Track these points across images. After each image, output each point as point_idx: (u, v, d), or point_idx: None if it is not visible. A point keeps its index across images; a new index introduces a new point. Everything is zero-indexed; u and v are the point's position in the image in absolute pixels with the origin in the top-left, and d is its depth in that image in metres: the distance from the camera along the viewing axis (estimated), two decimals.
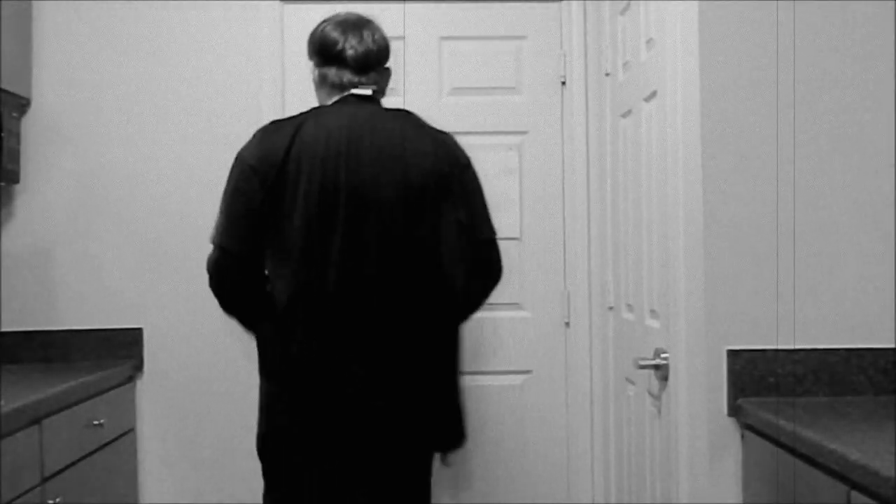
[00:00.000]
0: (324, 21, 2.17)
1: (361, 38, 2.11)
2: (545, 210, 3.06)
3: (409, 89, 3.06)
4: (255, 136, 2.07)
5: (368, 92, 2.12)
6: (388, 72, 2.20)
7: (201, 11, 2.99)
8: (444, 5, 3.06)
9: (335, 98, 2.13)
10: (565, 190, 3.06)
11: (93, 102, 2.97)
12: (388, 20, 3.05)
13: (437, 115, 3.05)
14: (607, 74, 2.95)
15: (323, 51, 2.13)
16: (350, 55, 2.10)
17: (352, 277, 1.97)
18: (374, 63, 2.14)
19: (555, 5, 3.07)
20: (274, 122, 2.09)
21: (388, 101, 3.00)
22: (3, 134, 2.70)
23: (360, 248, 1.98)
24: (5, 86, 2.72)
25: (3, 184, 2.82)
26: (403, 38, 3.05)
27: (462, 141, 3.02)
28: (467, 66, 3.06)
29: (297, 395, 1.97)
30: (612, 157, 2.91)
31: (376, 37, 2.14)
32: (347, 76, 2.11)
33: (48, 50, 2.96)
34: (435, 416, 2.05)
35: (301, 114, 2.10)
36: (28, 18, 2.90)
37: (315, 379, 1.96)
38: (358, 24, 2.14)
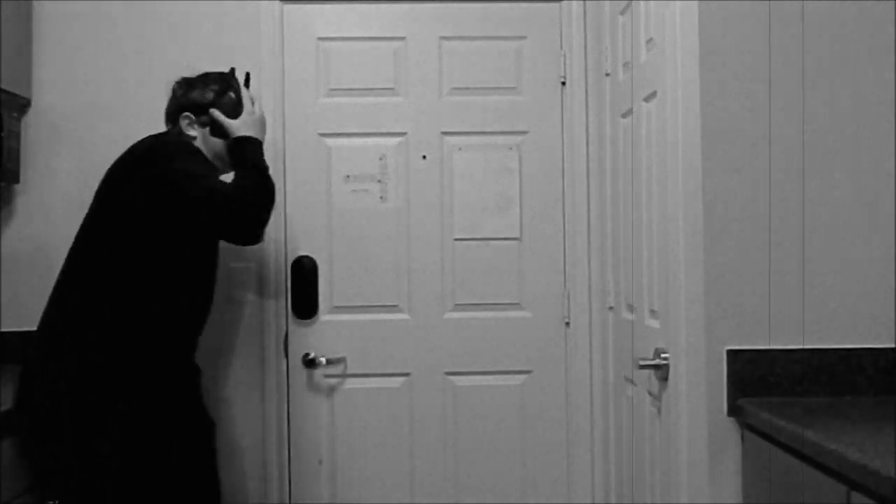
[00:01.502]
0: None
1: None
2: (545, 210, 3.06)
3: (410, 89, 3.06)
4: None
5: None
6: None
7: (201, 11, 2.99)
8: (444, 5, 3.06)
9: None
10: (565, 190, 3.06)
11: (93, 102, 2.97)
12: (388, 20, 3.06)
13: (437, 115, 3.05)
14: (607, 74, 2.95)
15: None
16: None
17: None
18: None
19: (555, 5, 3.07)
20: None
21: (388, 101, 3.05)
22: (3, 134, 2.71)
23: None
24: (5, 86, 2.72)
25: (3, 184, 2.82)
26: (403, 38, 3.05)
27: (462, 141, 3.07)
28: (467, 66, 3.06)
29: None
30: (612, 157, 2.90)
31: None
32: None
33: (48, 50, 2.96)
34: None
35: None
36: (28, 18, 2.90)
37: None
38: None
